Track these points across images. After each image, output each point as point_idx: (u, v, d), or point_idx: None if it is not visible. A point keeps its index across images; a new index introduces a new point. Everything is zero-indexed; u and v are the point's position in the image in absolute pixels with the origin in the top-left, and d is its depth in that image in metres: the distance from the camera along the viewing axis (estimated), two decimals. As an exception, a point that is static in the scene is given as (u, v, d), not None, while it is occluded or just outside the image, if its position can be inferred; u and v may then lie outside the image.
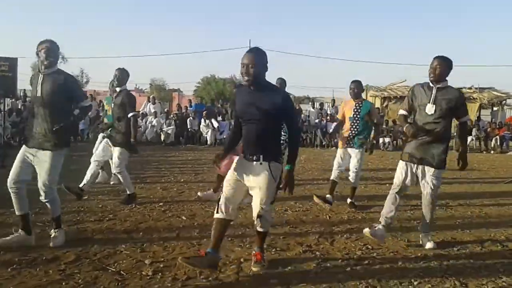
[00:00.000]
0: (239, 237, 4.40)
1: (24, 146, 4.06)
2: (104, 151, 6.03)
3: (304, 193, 6.95)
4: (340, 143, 6.12)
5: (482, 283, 3.40)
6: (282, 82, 6.36)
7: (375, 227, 4.28)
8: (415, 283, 3.37)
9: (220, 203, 3.47)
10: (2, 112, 11.56)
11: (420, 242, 4.34)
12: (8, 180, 3.97)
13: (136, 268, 3.57)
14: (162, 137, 15.62)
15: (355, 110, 5.92)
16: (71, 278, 3.33)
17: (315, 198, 5.98)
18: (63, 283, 3.24)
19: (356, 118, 5.91)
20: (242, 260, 3.74)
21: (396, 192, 4.28)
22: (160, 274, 3.44)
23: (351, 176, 5.98)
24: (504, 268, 3.74)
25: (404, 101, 4.56)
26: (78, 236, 4.33)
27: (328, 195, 6.01)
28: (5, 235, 4.30)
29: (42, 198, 3.98)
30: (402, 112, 4.53)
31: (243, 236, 4.44)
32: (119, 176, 5.86)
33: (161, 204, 5.90)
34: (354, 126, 5.93)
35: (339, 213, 5.60)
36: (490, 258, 3.99)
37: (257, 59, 3.26)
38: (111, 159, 5.95)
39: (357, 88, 5.98)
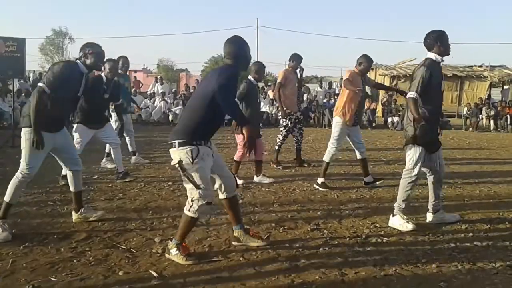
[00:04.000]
0: (247, 214, 4.44)
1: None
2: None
3: (312, 172, 6.95)
4: (348, 121, 5.82)
5: (490, 261, 3.40)
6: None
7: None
8: (423, 260, 3.39)
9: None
10: (11, 93, 11.64)
11: (446, 220, 4.34)
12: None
13: (146, 246, 3.62)
14: (170, 118, 15.65)
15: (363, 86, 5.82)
16: (82, 256, 3.39)
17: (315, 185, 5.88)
18: (75, 260, 3.30)
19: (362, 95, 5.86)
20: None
21: (415, 180, 4.22)
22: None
23: (362, 149, 5.97)
24: (513, 247, 3.74)
25: (415, 82, 4.04)
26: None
27: (323, 179, 5.89)
28: (15, 213, 4.38)
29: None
30: (414, 95, 4.02)
31: (253, 213, 4.48)
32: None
33: (170, 183, 5.94)
34: (362, 102, 5.92)
35: (347, 192, 5.61)
36: (499, 236, 3.99)
37: None
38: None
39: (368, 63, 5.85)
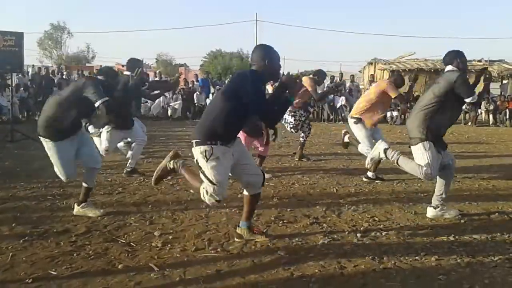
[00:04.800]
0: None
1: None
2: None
3: (312, 167, 6.97)
4: (373, 123, 5.96)
5: (489, 254, 3.40)
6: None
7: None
8: (422, 254, 3.39)
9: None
10: (10, 88, 11.62)
11: (447, 215, 4.32)
12: None
13: (146, 240, 3.63)
14: (169, 112, 15.62)
15: None
16: (82, 250, 3.39)
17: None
18: (75, 254, 3.30)
19: None
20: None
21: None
22: (169, 245, 3.50)
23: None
24: None
25: (465, 88, 4.12)
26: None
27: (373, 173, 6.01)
28: (15, 208, 4.39)
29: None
30: (475, 99, 4.15)
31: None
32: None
33: (169, 178, 5.89)
34: None
35: (346, 186, 5.61)
36: (498, 230, 3.99)
37: None
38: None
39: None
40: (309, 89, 7.05)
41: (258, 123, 5.78)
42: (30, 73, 18.34)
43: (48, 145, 4.10)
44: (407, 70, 18.56)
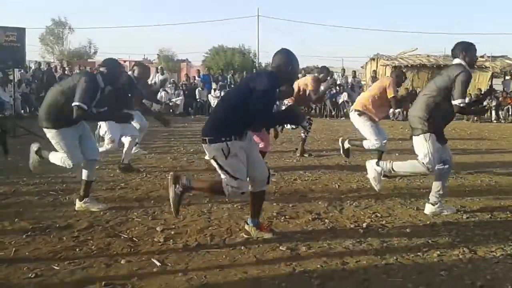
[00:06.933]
0: (248, 205, 4.44)
1: None
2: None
3: (314, 162, 6.97)
4: (376, 118, 5.95)
5: (491, 250, 3.41)
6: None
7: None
8: (424, 249, 3.40)
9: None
10: (12, 83, 11.63)
11: (445, 212, 4.30)
12: None
13: (148, 235, 3.64)
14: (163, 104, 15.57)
15: None
16: (84, 245, 3.41)
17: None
18: (77, 249, 3.31)
19: None
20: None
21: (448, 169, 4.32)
22: (171, 240, 3.51)
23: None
24: (513, 236, 3.75)
25: (460, 89, 4.00)
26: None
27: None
28: (18, 203, 4.40)
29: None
30: (463, 104, 4.04)
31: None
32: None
33: (171, 173, 5.93)
34: None
35: (348, 182, 5.61)
36: (500, 226, 3.99)
37: None
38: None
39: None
40: (310, 88, 7.03)
41: None
42: (32, 69, 18.35)
43: (51, 134, 4.09)
44: (409, 66, 18.53)
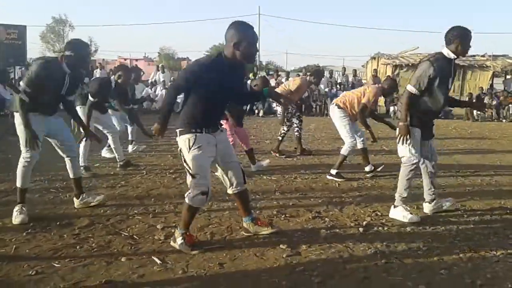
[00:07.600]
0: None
1: None
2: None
3: (314, 161, 6.97)
4: (354, 119, 6.02)
5: (491, 249, 3.41)
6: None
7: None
8: (424, 248, 3.40)
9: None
10: (13, 81, 11.63)
11: (444, 207, 4.31)
12: None
13: (149, 233, 3.64)
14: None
15: None
16: (85, 242, 3.41)
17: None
18: (78, 247, 3.32)
19: None
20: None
21: (416, 166, 4.20)
22: (172, 238, 3.50)
23: (362, 138, 6.06)
24: (514, 235, 3.75)
25: (417, 77, 3.94)
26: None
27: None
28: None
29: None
30: (414, 91, 3.95)
31: (254, 201, 4.49)
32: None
33: (171, 171, 5.95)
34: None
35: (348, 181, 5.61)
36: (500, 225, 4.00)
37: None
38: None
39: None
40: (294, 88, 7.01)
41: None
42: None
43: (18, 120, 4.01)
44: (410, 65, 18.51)
